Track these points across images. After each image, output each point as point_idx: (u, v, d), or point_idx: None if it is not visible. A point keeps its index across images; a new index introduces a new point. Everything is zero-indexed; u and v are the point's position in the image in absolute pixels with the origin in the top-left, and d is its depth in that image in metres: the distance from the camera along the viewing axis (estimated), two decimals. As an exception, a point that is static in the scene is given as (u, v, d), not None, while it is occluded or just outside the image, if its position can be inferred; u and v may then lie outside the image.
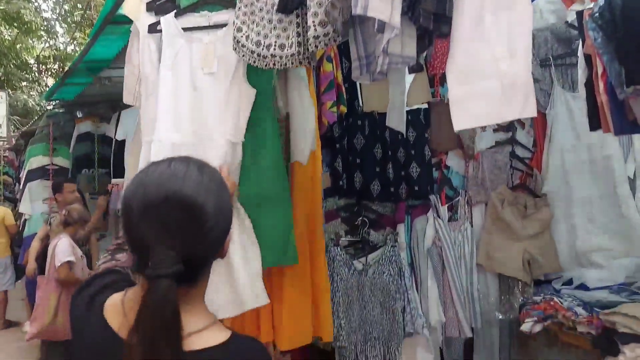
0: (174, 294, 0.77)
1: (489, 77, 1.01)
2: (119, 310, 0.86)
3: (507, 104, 1.00)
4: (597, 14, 1.35)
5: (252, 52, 1.50)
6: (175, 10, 1.76)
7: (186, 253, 0.78)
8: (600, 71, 1.39)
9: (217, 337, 0.84)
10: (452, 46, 1.06)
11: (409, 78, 2.53)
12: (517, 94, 1.00)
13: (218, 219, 0.82)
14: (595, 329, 1.98)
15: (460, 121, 1.05)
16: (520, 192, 3.00)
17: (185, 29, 1.71)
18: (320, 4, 1.36)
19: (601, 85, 1.39)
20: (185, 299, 0.83)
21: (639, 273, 2.59)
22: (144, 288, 0.80)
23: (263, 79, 1.73)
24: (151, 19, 1.71)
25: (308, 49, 1.43)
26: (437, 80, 2.71)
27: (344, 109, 2.36)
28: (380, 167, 2.65)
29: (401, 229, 2.71)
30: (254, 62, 1.51)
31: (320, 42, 1.39)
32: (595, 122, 1.49)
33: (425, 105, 2.71)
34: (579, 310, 2.11)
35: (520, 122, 3.08)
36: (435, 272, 2.68)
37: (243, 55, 1.54)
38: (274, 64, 1.49)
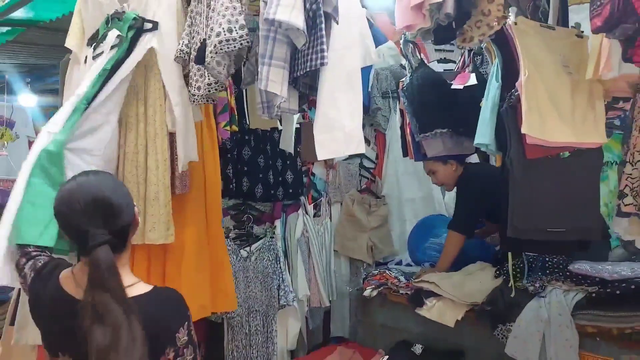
0: (111, 255, 1.13)
1: (338, 129, 1.69)
2: (71, 279, 1.21)
3: (347, 145, 1.69)
4: (405, 87, 2.17)
5: (192, 93, 1.93)
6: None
7: (111, 228, 1.16)
8: (407, 121, 2.22)
9: (144, 288, 1.21)
10: (317, 108, 1.72)
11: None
12: (353, 140, 1.69)
13: (123, 201, 1.22)
14: (411, 290, 2.86)
15: (322, 154, 1.71)
16: (366, 194, 3.75)
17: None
18: (212, 60, 1.77)
19: (408, 130, 2.21)
20: (119, 263, 1.17)
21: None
22: (86, 262, 1.14)
23: None
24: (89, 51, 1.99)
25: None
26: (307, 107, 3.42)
27: (235, 127, 2.89)
28: (263, 173, 3.19)
29: (278, 223, 3.29)
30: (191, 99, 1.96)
31: (211, 89, 1.87)
32: (405, 152, 2.33)
33: (297, 125, 3.39)
34: (402, 278, 2.95)
35: (366, 140, 3.94)
36: (303, 257, 3.32)
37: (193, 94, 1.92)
38: (194, 102, 2.00)
